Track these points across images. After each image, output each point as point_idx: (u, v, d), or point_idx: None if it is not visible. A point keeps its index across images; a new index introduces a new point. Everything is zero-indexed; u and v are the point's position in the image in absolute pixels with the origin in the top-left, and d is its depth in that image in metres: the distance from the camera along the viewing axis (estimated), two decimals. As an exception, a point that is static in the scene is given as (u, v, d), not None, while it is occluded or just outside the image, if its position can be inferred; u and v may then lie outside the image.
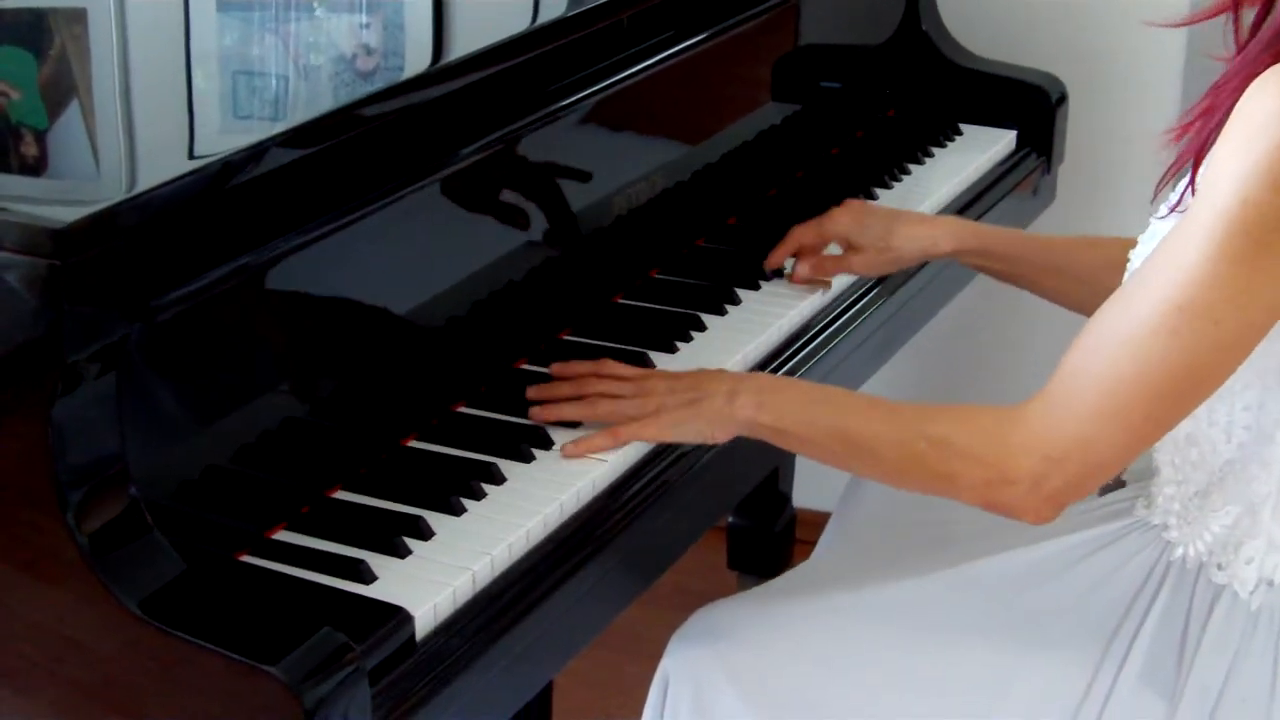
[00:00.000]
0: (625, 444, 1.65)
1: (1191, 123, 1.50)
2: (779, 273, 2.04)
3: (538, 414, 1.69)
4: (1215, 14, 1.52)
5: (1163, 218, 1.56)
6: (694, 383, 1.68)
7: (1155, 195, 1.60)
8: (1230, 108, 1.43)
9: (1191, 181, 1.50)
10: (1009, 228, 2.08)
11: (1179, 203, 1.52)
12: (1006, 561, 1.71)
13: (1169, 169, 1.56)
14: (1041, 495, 1.49)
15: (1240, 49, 1.49)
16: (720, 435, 1.66)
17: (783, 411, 1.63)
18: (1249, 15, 1.49)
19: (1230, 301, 1.39)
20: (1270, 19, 1.45)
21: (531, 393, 1.71)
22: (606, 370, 1.72)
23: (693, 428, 1.66)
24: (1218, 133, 1.44)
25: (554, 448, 1.66)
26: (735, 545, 2.83)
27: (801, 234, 2.03)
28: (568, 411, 1.68)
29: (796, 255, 2.03)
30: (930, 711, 1.66)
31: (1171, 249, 1.42)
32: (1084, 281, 1.89)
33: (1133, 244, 1.61)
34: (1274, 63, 1.41)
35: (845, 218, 2.02)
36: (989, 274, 2.04)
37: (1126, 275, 1.60)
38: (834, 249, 2.04)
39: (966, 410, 1.55)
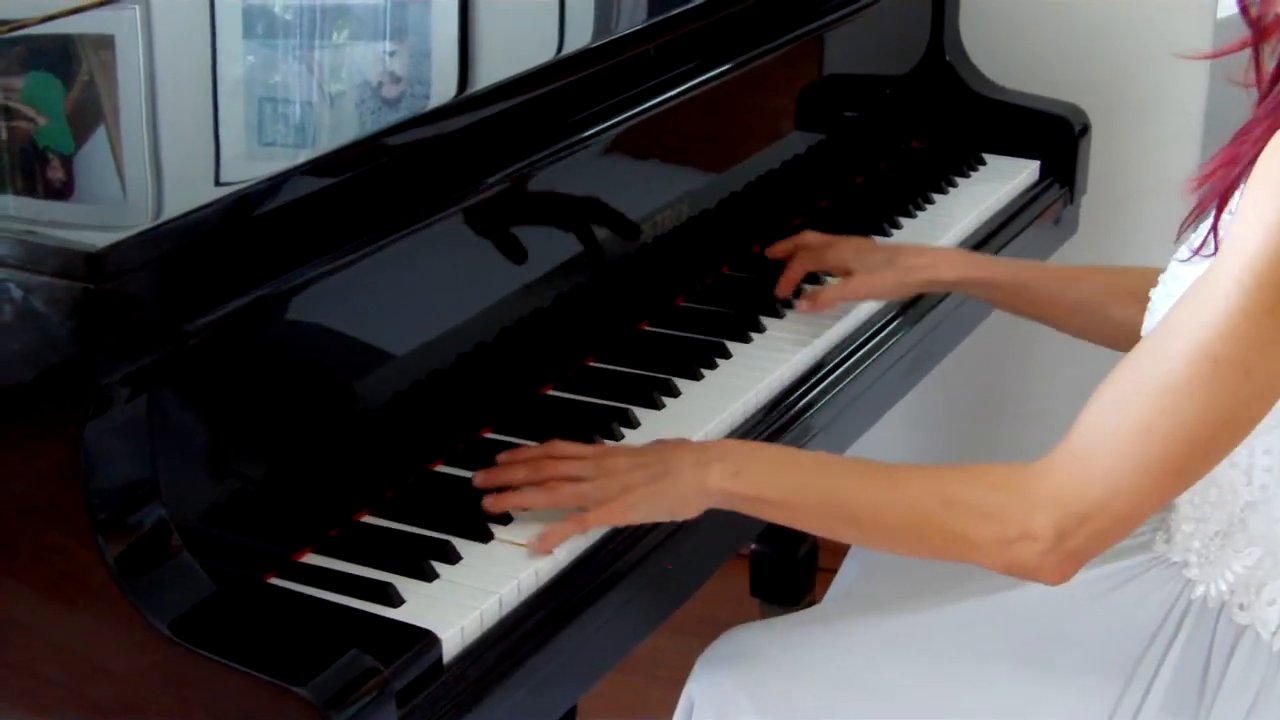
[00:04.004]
0: (591, 529, 1.57)
1: (1214, 170, 1.50)
2: (801, 301, 2.05)
3: (491, 503, 1.57)
4: (1238, 49, 1.52)
5: (1184, 260, 1.55)
6: (658, 457, 1.59)
7: (1178, 237, 1.59)
8: (1254, 157, 1.42)
9: (1214, 227, 1.49)
10: (1019, 259, 2.07)
11: (1201, 246, 1.51)
12: (1027, 596, 1.69)
13: (1191, 212, 1.55)
14: (1063, 552, 1.45)
15: (1262, 96, 1.49)
16: (692, 510, 1.59)
17: (762, 479, 1.56)
18: (1269, 60, 1.49)
19: (1261, 352, 1.38)
20: None
21: (479, 479, 1.60)
22: (559, 451, 1.61)
23: (663, 505, 1.58)
24: (1240, 181, 1.45)
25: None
26: (758, 572, 2.82)
27: (804, 262, 2.04)
28: (530, 499, 1.57)
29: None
30: (953, 739, 1.66)
31: (1200, 298, 1.40)
32: (1087, 311, 1.90)
33: (1144, 273, 1.60)
34: None
35: (847, 250, 2.03)
36: (1001, 307, 2.04)
37: (1148, 318, 1.59)
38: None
39: (978, 468, 1.51)
